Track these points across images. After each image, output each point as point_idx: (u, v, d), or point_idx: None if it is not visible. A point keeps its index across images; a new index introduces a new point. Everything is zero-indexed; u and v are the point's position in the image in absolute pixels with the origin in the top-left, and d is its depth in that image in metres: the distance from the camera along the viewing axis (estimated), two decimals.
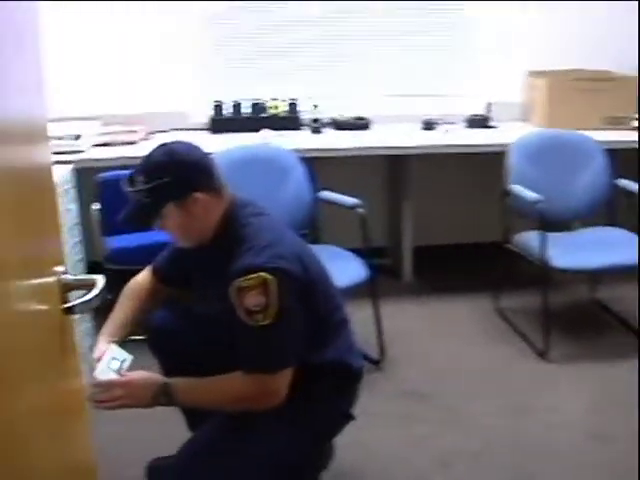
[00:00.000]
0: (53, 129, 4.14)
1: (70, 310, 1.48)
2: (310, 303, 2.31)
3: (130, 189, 2.32)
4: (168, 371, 2.62)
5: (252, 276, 2.16)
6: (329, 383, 2.45)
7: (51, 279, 1.48)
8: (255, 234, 2.28)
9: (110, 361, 2.31)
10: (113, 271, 3.91)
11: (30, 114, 1.42)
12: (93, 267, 3.93)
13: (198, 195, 2.27)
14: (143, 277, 2.67)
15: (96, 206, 3.76)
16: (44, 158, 1.55)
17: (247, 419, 2.32)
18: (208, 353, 2.52)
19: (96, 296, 1.52)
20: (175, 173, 2.26)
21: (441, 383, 3.59)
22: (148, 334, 2.64)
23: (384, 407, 3.38)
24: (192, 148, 2.35)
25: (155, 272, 2.66)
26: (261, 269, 2.16)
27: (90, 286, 1.56)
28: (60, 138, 4.14)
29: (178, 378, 2.34)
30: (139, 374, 2.31)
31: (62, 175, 3.64)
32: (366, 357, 3.70)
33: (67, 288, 1.53)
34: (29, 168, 1.42)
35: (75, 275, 1.57)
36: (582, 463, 2.96)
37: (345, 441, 2.99)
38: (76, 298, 1.53)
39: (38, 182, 1.49)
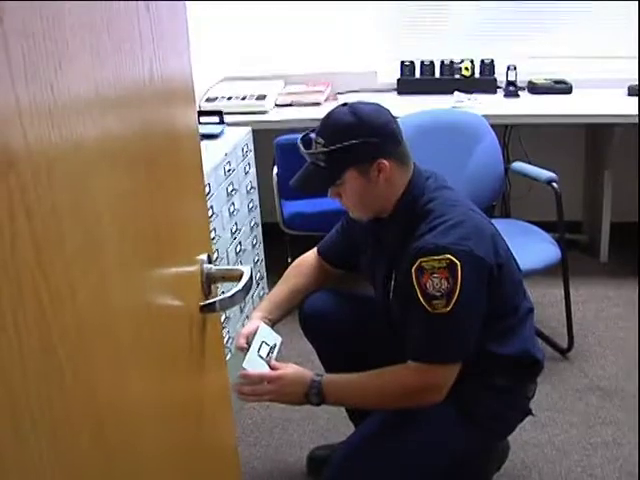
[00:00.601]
0: (237, 89, 4.12)
1: (208, 307, 1.33)
2: (499, 289, 2.11)
3: (307, 151, 2.14)
4: (323, 356, 2.52)
5: (437, 257, 1.97)
6: (511, 375, 2.24)
7: (192, 268, 1.33)
8: (442, 210, 2.07)
9: (260, 347, 2.17)
10: (291, 236, 3.82)
11: (173, 75, 1.26)
12: (270, 229, 3.87)
13: (384, 162, 2.08)
14: (310, 257, 2.53)
15: (275, 169, 3.64)
16: (188, 123, 1.38)
17: (417, 410, 2.14)
18: (365, 337, 2.41)
19: (240, 291, 1.35)
20: (362, 136, 2.05)
21: (634, 381, 3.21)
22: (300, 317, 2.50)
23: (568, 403, 3.08)
24: (379, 110, 2.14)
25: (320, 253, 2.51)
26: (448, 251, 1.97)
27: (237, 278, 1.40)
28: (243, 98, 4.05)
29: (331, 375, 2.20)
30: (290, 369, 2.17)
31: (242, 136, 3.55)
32: (553, 345, 3.43)
33: (210, 280, 1.38)
34: (169, 133, 1.26)
35: (220, 265, 1.40)
36: None
37: (522, 439, 2.77)
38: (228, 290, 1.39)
39: (182, 151, 1.34)
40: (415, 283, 1.99)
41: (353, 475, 2.19)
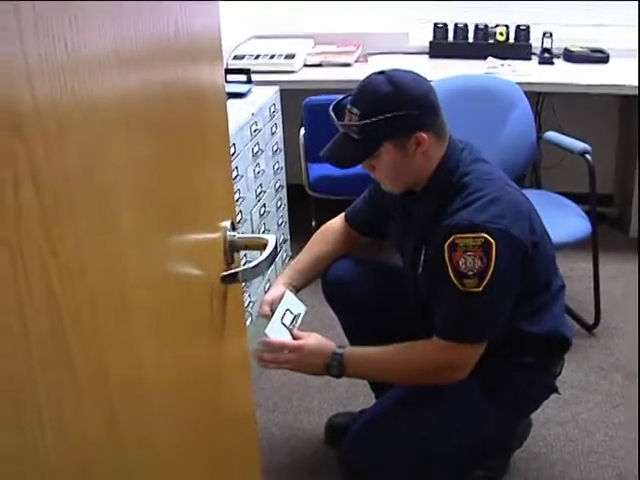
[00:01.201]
0: (266, 47, 4.04)
1: (230, 278, 1.27)
2: (532, 267, 2.04)
3: (340, 122, 2.05)
4: (345, 325, 2.49)
5: (472, 235, 1.89)
6: (540, 354, 2.19)
7: (214, 236, 1.27)
8: (478, 185, 1.99)
9: (284, 315, 2.13)
10: (316, 199, 3.76)
11: (200, 31, 1.19)
12: (295, 192, 3.81)
13: (423, 135, 1.98)
14: (336, 223, 2.47)
15: (303, 131, 3.56)
16: (215, 82, 1.30)
17: (442, 386, 2.09)
18: (388, 309, 2.37)
19: (263, 261, 1.29)
20: (401, 108, 1.95)
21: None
22: (324, 285, 2.45)
23: (592, 382, 3.02)
24: (418, 79, 2.03)
25: (348, 220, 2.45)
26: (483, 229, 1.89)
27: (261, 246, 1.34)
28: (272, 57, 3.97)
29: (353, 347, 2.15)
30: (313, 339, 2.12)
31: (269, 96, 3.47)
32: (579, 320, 3.35)
33: (233, 248, 1.32)
34: (194, 93, 1.19)
35: (244, 233, 1.35)
36: None
37: (544, 416, 2.72)
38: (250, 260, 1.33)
39: (208, 111, 1.27)
40: (447, 260, 1.92)
41: (375, 445, 2.14)
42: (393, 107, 1.95)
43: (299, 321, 2.17)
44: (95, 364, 0.78)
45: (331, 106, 2.09)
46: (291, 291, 2.24)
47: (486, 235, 1.89)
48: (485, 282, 1.90)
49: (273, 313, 2.14)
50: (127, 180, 0.87)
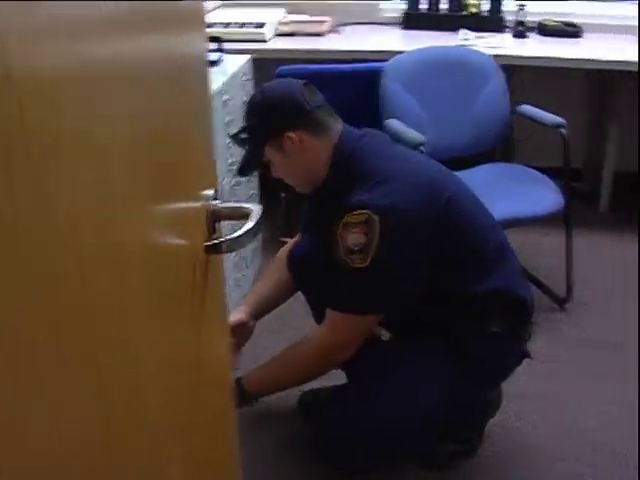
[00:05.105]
0: (235, 15, 3.96)
1: (214, 248, 1.22)
2: (451, 235, 2.11)
3: (238, 135, 2.30)
4: (311, 302, 2.58)
5: (357, 212, 1.99)
6: (504, 319, 2.21)
7: (196, 205, 1.22)
8: (373, 168, 2.09)
9: None
10: None
11: None
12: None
13: (291, 134, 2.11)
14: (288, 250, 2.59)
15: None
16: (198, 48, 1.26)
17: (410, 359, 2.20)
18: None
19: (249, 231, 1.24)
20: (262, 114, 2.16)
21: (633, 334, 3.11)
22: (289, 265, 2.54)
23: (564, 356, 3.02)
24: (287, 83, 2.22)
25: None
26: (367, 206, 1.98)
27: (244, 216, 1.29)
28: (242, 25, 3.90)
29: (250, 370, 2.29)
30: None
31: (241, 65, 3.41)
32: (551, 295, 3.36)
33: (216, 217, 1.27)
34: (179, 58, 1.14)
35: (227, 202, 1.30)
36: None
37: (516, 391, 2.71)
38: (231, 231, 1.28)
39: (187, 77, 1.21)
40: (339, 238, 2.02)
41: (343, 427, 2.23)
42: (256, 113, 2.18)
43: None
44: (83, 330, 0.73)
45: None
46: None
47: (369, 212, 1.97)
48: (371, 256, 1.98)
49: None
50: (121, 141, 0.82)
